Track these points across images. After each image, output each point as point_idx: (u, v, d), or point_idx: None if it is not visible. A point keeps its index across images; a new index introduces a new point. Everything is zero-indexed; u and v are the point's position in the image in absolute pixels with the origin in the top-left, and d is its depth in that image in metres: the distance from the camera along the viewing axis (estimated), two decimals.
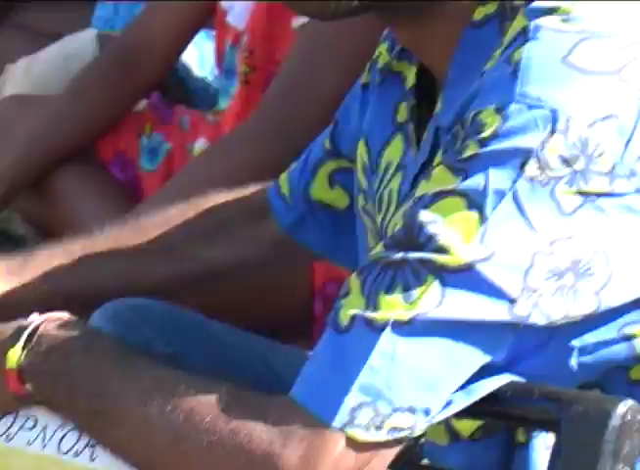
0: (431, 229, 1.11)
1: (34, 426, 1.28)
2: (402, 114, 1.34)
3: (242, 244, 1.54)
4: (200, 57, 2.48)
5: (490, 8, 1.21)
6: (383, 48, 1.40)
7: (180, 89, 2.52)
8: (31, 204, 2.37)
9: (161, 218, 1.56)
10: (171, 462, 1.18)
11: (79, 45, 2.48)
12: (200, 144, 2.30)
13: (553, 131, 1.10)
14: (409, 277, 1.11)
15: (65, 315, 1.32)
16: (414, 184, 1.23)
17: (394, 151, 1.33)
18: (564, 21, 1.15)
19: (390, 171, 1.34)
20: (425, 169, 1.20)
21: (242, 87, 2.13)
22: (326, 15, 1.29)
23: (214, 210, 1.55)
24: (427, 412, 1.12)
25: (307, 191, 1.50)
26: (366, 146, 1.39)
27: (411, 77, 1.33)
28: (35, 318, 1.29)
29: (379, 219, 1.36)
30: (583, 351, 1.16)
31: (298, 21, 1.96)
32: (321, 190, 1.49)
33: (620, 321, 1.16)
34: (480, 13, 1.22)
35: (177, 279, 1.51)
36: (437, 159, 1.17)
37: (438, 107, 1.24)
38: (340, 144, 1.48)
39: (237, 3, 2.08)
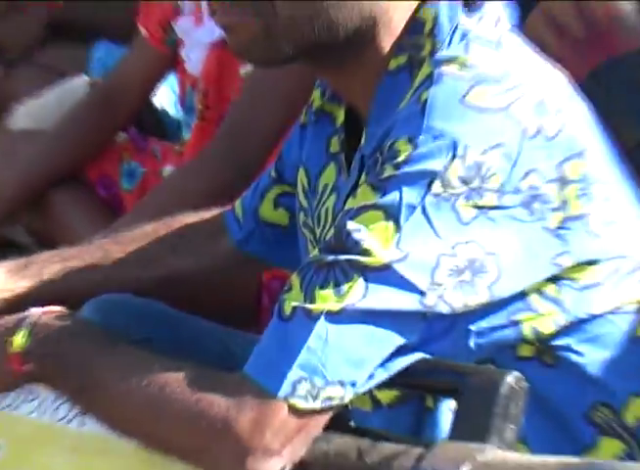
0: (356, 236, 1.12)
1: (34, 399, 1.27)
2: (334, 146, 1.34)
3: (202, 255, 1.54)
4: (172, 97, 2.48)
5: (402, 59, 1.21)
6: (316, 93, 1.40)
7: (154, 124, 2.51)
8: (32, 217, 2.36)
9: (139, 234, 1.55)
10: (147, 427, 1.18)
11: (73, 89, 2.48)
12: (167, 169, 2.30)
13: (453, 157, 1.11)
14: (339, 275, 1.11)
15: (58, 309, 1.31)
16: (345, 202, 1.23)
17: (329, 176, 1.34)
18: (461, 68, 1.16)
19: (326, 193, 1.34)
20: (354, 190, 1.20)
21: (199, 122, 2.12)
22: (264, 62, 1.33)
23: (181, 228, 1.56)
24: (354, 385, 1.12)
25: (256, 212, 1.50)
26: (305, 173, 1.38)
27: (340, 116, 1.33)
28: (35, 311, 1.29)
29: (317, 232, 1.35)
30: (479, 334, 1.17)
31: (245, 68, 1.96)
32: (268, 211, 1.49)
33: (509, 309, 1.17)
34: (394, 63, 1.22)
35: (151, 282, 1.51)
36: (362, 180, 1.18)
37: (363, 140, 1.24)
38: (283, 173, 1.48)
39: (192, 54, 2.08)
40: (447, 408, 1.18)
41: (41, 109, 2.44)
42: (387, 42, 1.22)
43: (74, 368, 1.24)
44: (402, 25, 1.22)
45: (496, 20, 1.23)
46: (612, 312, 1.21)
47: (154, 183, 2.33)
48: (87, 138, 2.34)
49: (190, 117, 2.22)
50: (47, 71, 2.68)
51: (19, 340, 1.26)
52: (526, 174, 1.13)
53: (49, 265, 1.50)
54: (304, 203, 1.39)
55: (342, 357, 1.11)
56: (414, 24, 1.22)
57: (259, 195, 1.50)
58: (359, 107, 1.28)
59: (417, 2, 1.22)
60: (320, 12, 1.19)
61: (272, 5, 1.19)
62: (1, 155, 2.39)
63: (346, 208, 1.17)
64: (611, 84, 1.99)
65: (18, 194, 2.32)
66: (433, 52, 1.19)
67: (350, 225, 1.13)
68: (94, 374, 1.22)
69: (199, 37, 2.10)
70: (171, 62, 2.28)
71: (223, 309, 1.49)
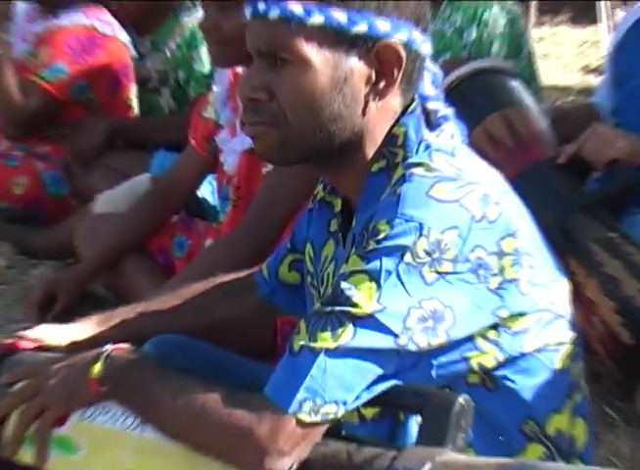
0: (347, 293, 1.12)
1: (108, 412, 1.27)
2: (333, 226, 1.33)
3: (238, 307, 1.52)
4: (211, 190, 2.49)
5: (382, 163, 1.22)
6: (319, 187, 1.40)
7: (198, 209, 2.52)
8: (108, 276, 2.37)
9: (191, 291, 1.54)
10: (191, 434, 1.17)
11: (139, 183, 2.49)
12: (208, 242, 2.30)
13: (420, 235, 1.11)
14: (335, 322, 1.11)
15: (127, 345, 1.31)
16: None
17: (329, 249, 1.33)
18: (425, 171, 1.17)
19: (327, 261, 1.33)
20: (347, 259, 1.19)
21: (232, 208, 2.12)
22: (280, 163, 1.35)
23: (222, 285, 1.54)
24: (345, 404, 1.11)
25: (277, 274, 1.48)
26: (312, 246, 1.38)
27: (338, 205, 1.33)
28: (109, 347, 1.28)
29: (321, 290, 1.35)
30: (439, 366, 1.17)
31: (267, 167, 1.96)
32: (284, 273, 1.47)
33: (461, 349, 1.17)
34: (375, 166, 1.23)
35: (198, 328, 1.49)
36: (352, 251, 1.18)
37: (354, 222, 1.24)
38: (295, 245, 1.46)
39: (228, 158, 2.09)
40: (415, 422, 1.17)
41: (116, 198, 2.46)
42: (370, 150, 1.23)
43: (137, 391, 1.23)
44: (382, 138, 1.23)
45: (451, 134, 1.25)
46: (537, 351, 1.20)
47: (197, 252, 2.33)
48: (149, 220, 2.35)
49: (225, 204, 2.21)
50: (118, 172, 2.70)
51: (96, 369, 1.26)
52: (474, 248, 1.13)
53: (124, 316, 1.49)
54: (311, 268, 1.38)
55: (337, 383, 1.11)
56: (390, 138, 1.23)
57: (279, 260, 1.49)
58: (351, 198, 1.28)
59: (393, 120, 1.23)
60: (321, 125, 1.20)
61: (286, 119, 1.20)
62: (87, 232, 2.40)
63: (340, 272, 1.17)
64: (533, 182, 2.01)
65: (99, 261, 2.33)
66: (404, 158, 1.20)
67: (344, 285, 1.13)
68: (151, 395, 1.21)
69: (233, 146, 2.11)
70: (212, 164, 2.29)
71: (249, 346, 1.48)
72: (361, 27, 1.17)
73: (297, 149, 1.23)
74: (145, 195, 2.40)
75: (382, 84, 1.20)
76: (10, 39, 2.69)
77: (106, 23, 2.73)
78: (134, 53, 2.94)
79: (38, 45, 2.67)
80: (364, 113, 1.20)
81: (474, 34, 2.57)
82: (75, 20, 2.67)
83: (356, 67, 1.19)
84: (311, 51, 1.17)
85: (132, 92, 2.92)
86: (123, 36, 2.83)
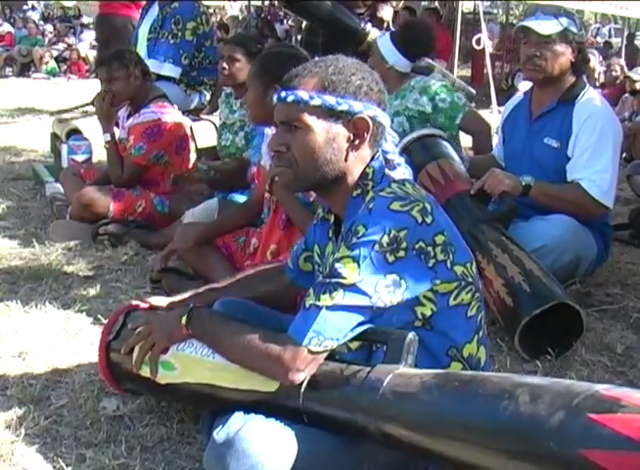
0: (339, 270, 1.10)
1: (192, 345, 1.25)
2: (330, 233, 1.29)
3: (273, 284, 1.44)
4: None
5: (359, 190, 1.19)
6: (319, 210, 1.35)
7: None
8: (193, 259, 2.24)
9: (244, 275, 1.48)
10: (242, 359, 1.15)
11: (209, 205, 2.46)
12: (253, 240, 2.23)
13: (384, 234, 1.09)
14: (331, 288, 1.09)
15: (202, 305, 1.30)
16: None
17: (329, 248, 1.28)
18: (387, 193, 1.14)
19: (328, 256, 1.28)
20: (339, 249, 1.15)
21: (270, 220, 2.03)
22: (295, 191, 1.37)
23: (264, 271, 1.49)
24: (338, 340, 1.09)
25: (297, 263, 1.41)
26: (318, 247, 1.33)
27: (331, 219, 1.29)
28: (192, 306, 1.27)
29: (324, 273, 1.30)
30: (397, 315, 1.14)
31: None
32: (302, 263, 1.41)
33: (410, 304, 1.14)
34: (354, 192, 1.19)
35: (246, 298, 1.40)
36: (342, 244, 1.15)
37: (342, 229, 1.20)
38: (307, 245, 1.40)
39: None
40: (382, 350, 1.14)
41: (196, 213, 2.42)
42: (351, 182, 1.20)
43: (209, 332, 1.22)
44: (358, 175, 1.20)
45: (402, 173, 1.22)
46: (457, 306, 1.18)
47: (249, 244, 2.23)
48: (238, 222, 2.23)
49: (267, 214, 2.13)
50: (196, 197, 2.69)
51: (184, 319, 1.25)
52: (418, 241, 1.11)
53: (203, 292, 1.45)
54: (318, 261, 1.34)
55: (332, 327, 1.08)
56: (364, 174, 1.20)
57: (297, 256, 1.41)
58: (339, 214, 1.24)
59: (365, 163, 1.20)
60: (319, 168, 1.17)
61: (297, 164, 1.18)
62: (177, 232, 2.31)
63: (334, 257, 1.14)
64: (455, 205, 1.99)
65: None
66: (373, 187, 1.18)
67: (336, 265, 1.10)
68: (218, 335, 1.19)
69: None
70: None
71: (281, 306, 1.43)
72: (344, 107, 1.15)
73: (304, 182, 1.20)
74: (237, 207, 2.27)
75: (357, 142, 1.18)
76: (118, 131, 2.74)
77: (167, 113, 2.70)
78: (230, 107, 2.88)
79: (128, 134, 2.71)
80: (346, 159, 1.18)
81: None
82: (147, 116, 2.67)
83: (341, 131, 1.16)
84: (313, 121, 1.15)
85: (192, 149, 2.83)
86: (180, 117, 2.77)
